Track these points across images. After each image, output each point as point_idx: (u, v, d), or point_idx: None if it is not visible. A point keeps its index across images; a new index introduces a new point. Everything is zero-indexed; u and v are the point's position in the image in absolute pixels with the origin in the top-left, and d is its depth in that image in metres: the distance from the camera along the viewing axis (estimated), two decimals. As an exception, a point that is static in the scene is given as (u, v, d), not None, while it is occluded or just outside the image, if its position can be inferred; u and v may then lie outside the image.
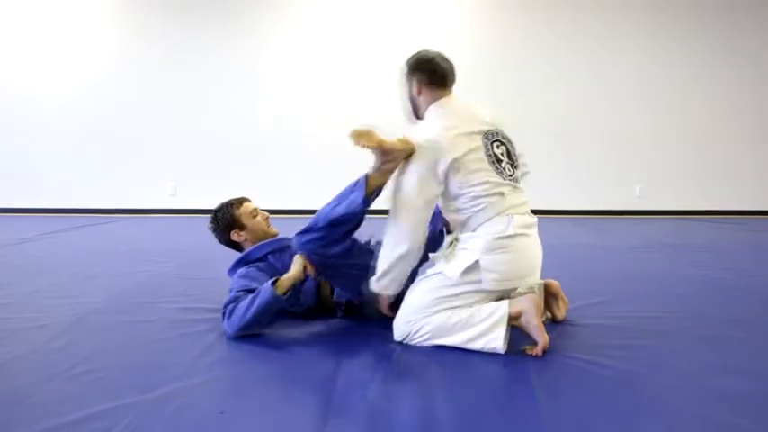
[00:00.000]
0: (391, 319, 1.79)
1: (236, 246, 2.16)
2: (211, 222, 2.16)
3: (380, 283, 1.73)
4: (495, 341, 1.62)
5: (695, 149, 5.68)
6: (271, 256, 2.05)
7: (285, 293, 1.76)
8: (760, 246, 3.84)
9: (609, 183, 5.62)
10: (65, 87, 5.43)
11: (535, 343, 1.63)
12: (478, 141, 1.72)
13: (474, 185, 1.69)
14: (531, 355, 1.62)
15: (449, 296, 1.68)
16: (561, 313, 1.94)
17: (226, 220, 2.13)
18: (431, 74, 1.82)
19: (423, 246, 1.71)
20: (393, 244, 1.68)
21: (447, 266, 1.69)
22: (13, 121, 5.47)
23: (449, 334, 1.67)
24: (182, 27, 5.38)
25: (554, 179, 5.47)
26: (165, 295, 2.32)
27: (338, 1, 5.38)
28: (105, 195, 5.54)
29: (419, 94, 1.83)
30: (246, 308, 1.74)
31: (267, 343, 1.76)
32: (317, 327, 1.94)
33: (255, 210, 2.17)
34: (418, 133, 1.72)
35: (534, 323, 1.63)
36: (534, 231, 1.79)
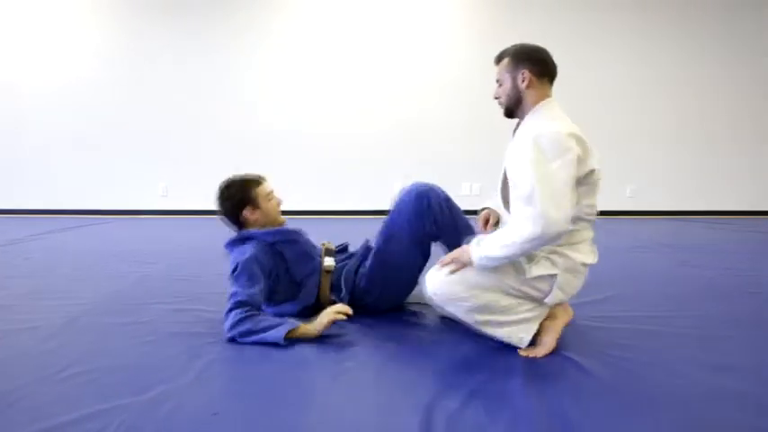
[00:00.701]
0: (385, 317, 1.79)
1: (240, 224, 2.04)
2: (223, 194, 2.02)
3: (492, 260, 1.58)
4: (526, 333, 1.66)
5: (686, 150, 5.73)
6: (281, 245, 2.00)
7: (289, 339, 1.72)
8: (753, 245, 3.88)
9: (600, 183, 5.64)
10: (56, 87, 5.39)
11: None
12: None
13: (584, 204, 1.65)
14: (526, 356, 1.63)
15: (512, 287, 1.64)
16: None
17: (241, 196, 2.00)
18: (543, 65, 1.65)
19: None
20: (531, 236, 1.50)
21: (527, 264, 1.63)
22: (3, 121, 5.42)
23: (489, 313, 1.66)
24: (174, 28, 5.36)
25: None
26: (157, 296, 2.31)
27: (331, 3, 5.38)
28: (96, 196, 5.50)
29: (528, 86, 1.64)
30: (250, 331, 1.70)
31: (261, 343, 1.76)
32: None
33: (272, 192, 2.07)
34: (552, 126, 1.55)
35: (556, 331, 1.67)
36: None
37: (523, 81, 1.64)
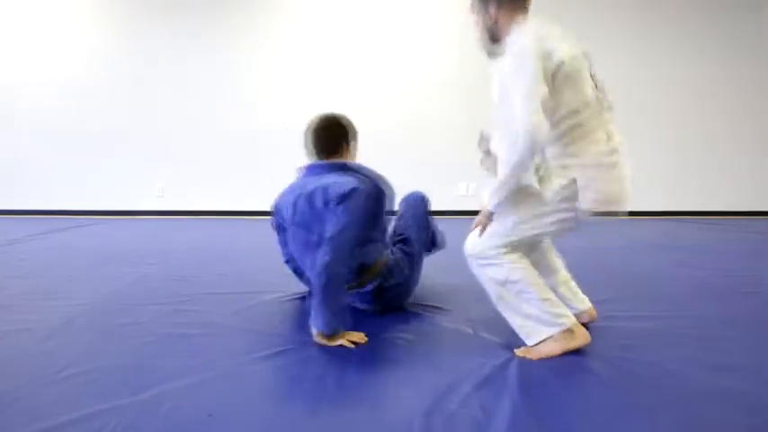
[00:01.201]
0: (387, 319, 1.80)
1: (334, 153, 1.98)
2: (336, 117, 2.01)
3: (500, 190, 1.61)
4: (536, 334, 1.64)
5: (684, 150, 5.75)
6: (382, 194, 1.95)
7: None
8: (751, 245, 3.89)
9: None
10: (53, 87, 5.38)
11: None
12: (579, 53, 1.64)
13: (575, 96, 1.59)
14: (522, 356, 1.64)
15: (541, 214, 1.62)
16: None
17: (354, 129, 2.04)
18: None
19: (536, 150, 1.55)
20: (511, 153, 1.54)
21: (542, 189, 1.61)
22: (0, 121, 5.41)
23: (531, 287, 1.64)
24: (172, 28, 5.35)
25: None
26: (154, 297, 2.31)
27: (331, 3, 5.38)
28: (93, 197, 5.49)
29: (498, 20, 1.69)
30: (327, 294, 1.69)
31: (259, 342, 1.76)
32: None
33: None
34: (513, 48, 1.58)
35: (563, 347, 1.64)
36: (625, 151, 1.74)
37: (491, 18, 1.71)
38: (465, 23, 5.97)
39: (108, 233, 4.29)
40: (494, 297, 1.72)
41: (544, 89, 1.50)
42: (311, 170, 1.99)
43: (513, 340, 1.71)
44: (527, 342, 1.68)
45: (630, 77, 5.63)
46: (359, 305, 2.12)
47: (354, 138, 2.05)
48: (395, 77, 5.39)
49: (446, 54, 5.40)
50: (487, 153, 1.80)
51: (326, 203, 1.83)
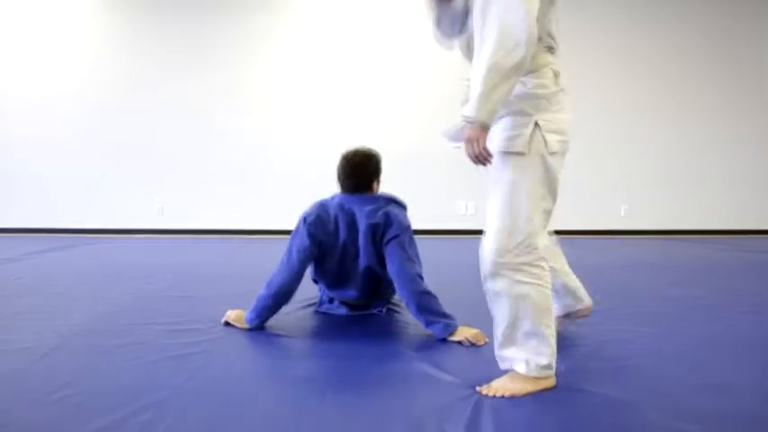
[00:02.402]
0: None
1: (370, 190, 2.22)
2: (373, 157, 2.24)
3: (485, 108, 1.37)
4: (503, 362, 1.54)
5: (681, 169, 5.79)
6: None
7: None
8: (746, 264, 3.90)
9: (594, 202, 5.69)
10: (49, 104, 5.40)
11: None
12: None
13: (550, 18, 1.50)
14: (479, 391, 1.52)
15: (538, 177, 1.47)
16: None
17: (382, 168, 2.26)
18: None
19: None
20: (501, 59, 1.33)
21: (512, 143, 1.44)
22: (-2, 140, 5.42)
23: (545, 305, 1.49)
24: (169, 44, 5.40)
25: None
26: (151, 317, 2.29)
27: (329, 18, 5.45)
28: (90, 215, 5.48)
29: None
30: (430, 310, 2.00)
31: (258, 364, 1.74)
32: (311, 353, 1.93)
33: None
34: None
35: (525, 388, 1.49)
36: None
37: None
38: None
39: (106, 252, 4.27)
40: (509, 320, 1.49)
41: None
42: (365, 200, 2.17)
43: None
44: (501, 366, 1.54)
45: (629, 98, 5.69)
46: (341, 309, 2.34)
47: (380, 173, 2.28)
48: (395, 95, 5.44)
49: (446, 71, 5.46)
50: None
51: (395, 230, 2.08)
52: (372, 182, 2.22)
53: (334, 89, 5.46)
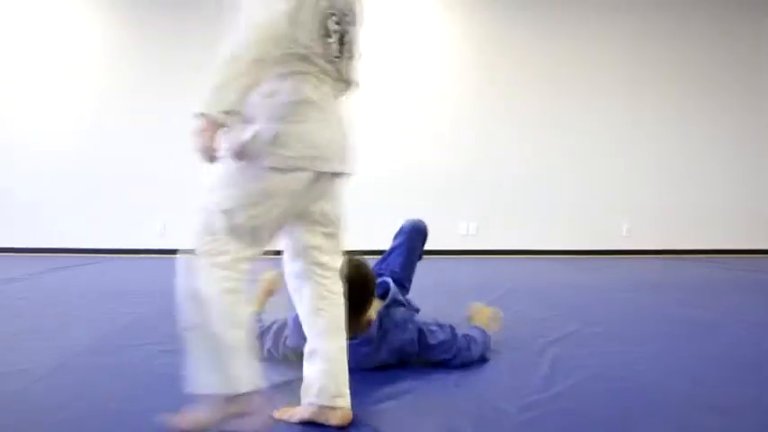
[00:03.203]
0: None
1: (365, 312, 1.85)
2: (369, 276, 1.84)
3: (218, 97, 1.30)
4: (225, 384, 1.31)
5: (682, 189, 5.79)
6: None
7: None
8: (747, 284, 3.88)
9: (597, 222, 5.69)
10: (50, 123, 5.43)
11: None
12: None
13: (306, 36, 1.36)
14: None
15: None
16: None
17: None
18: None
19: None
20: (244, 51, 1.27)
21: (232, 148, 1.37)
22: None
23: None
24: (171, 65, 5.45)
25: (541, 219, 5.54)
26: (151, 337, 2.27)
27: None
28: (92, 235, 5.48)
29: None
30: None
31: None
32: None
33: None
34: None
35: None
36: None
37: None
38: (464, 64, 6.08)
39: (108, 272, 4.27)
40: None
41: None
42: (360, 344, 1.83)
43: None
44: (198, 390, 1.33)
45: (630, 116, 5.72)
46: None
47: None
48: (396, 116, 5.47)
49: (447, 93, 5.51)
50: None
51: (416, 348, 1.93)
52: (369, 302, 1.85)
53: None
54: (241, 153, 1.36)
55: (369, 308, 1.85)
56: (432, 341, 1.91)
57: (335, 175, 1.46)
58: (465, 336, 1.96)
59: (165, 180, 5.49)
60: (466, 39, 5.57)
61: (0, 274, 3.97)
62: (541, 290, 3.51)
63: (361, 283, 1.77)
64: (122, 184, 5.48)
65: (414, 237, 2.40)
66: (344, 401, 1.44)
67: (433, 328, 1.94)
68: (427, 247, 2.49)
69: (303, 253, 1.52)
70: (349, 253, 1.69)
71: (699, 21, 5.78)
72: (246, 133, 1.35)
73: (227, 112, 1.27)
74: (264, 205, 1.37)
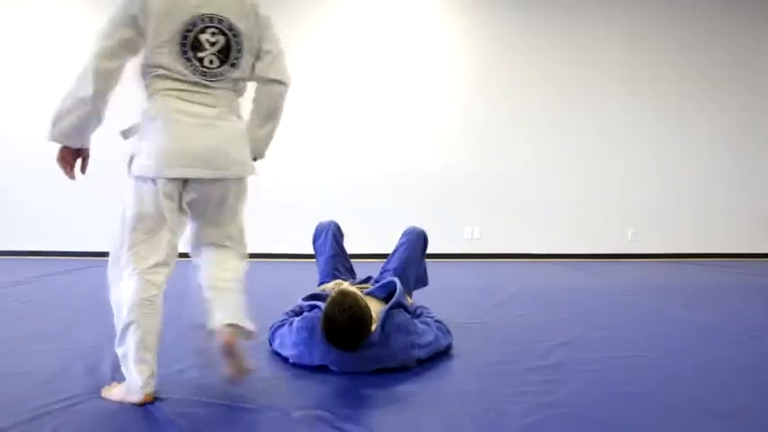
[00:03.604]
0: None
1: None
2: (364, 319, 1.80)
3: (55, 130, 1.67)
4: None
5: (688, 192, 5.77)
6: None
7: None
8: (752, 288, 3.86)
9: (602, 226, 5.66)
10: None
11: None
12: (180, 20, 1.58)
13: (150, 62, 1.68)
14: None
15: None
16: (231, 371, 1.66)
17: None
18: None
19: (106, 99, 1.69)
20: (75, 87, 1.66)
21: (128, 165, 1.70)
22: None
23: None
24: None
25: (546, 223, 5.52)
26: (154, 340, 2.27)
27: (337, 42, 5.54)
28: (96, 238, 5.46)
29: None
30: None
31: (262, 386, 1.72)
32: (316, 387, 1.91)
33: None
34: None
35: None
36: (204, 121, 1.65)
37: None
38: (467, 70, 6.07)
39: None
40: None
41: (127, 32, 1.61)
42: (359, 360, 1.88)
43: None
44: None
45: (635, 120, 5.71)
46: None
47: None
48: (399, 121, 5.48)
49: (450, 99, 5.51)
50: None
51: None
52: (365, 338, 1.83)
53: (337, 121, 5.51)
54: (126, 168, 1.68)
55: (368, 331, 1.84)
56: (421, 342, 1.98)
57: (210, 180, 1.64)
58: (439, 327, 2.10)
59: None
60: (468, 43, 5.57)
61: (4, 277, 3.98)
62: (545, 294, 3.50)
63: (355, 328, 1.76)
64: (127, 188, 5.49)
65: (414, 238, 2.51)
66: None
67: (422, 328, 2.02)
68: (432, 251, 2.52)
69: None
70: (339, 294, 1.81)
71: (699, 24, 5.77)
72: (130, 151, 1.69)
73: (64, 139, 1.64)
74: (150, 213, 1.62)
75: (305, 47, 5.47)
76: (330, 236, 2.69)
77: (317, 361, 1.90)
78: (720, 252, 5.75)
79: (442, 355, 2.07)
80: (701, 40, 5.79)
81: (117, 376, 1.82)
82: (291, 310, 2.19)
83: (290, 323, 2.05)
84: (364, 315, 1.79)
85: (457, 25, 5.59)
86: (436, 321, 2.14)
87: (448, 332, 2.15)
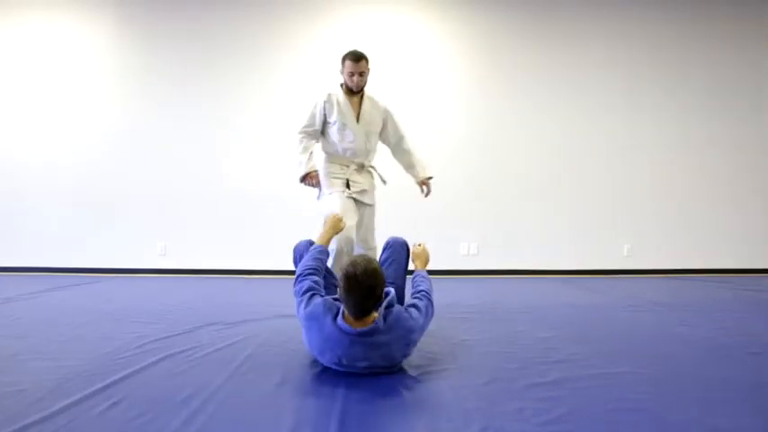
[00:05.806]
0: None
1: (372, 315, 1.95)
2: (378, 278, 1.92)
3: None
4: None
5: (683, 208, 5.80)
6: None
7: None
8: (753, 304, 3.86)
9: (598, 242, 5.69)
10: (52, 144, 5.48)
11: None
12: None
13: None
14: None
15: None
16: None
17: None
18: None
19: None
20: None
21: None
22: None
23: None
24: (171, 89, 5.52)
25: (542, 239, 5.54)
26: (151, 357, 2.26)
27: (335, 56, 5.58)
28: (94, 254, 5.48)
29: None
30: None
31: (259, 406, 1.71)
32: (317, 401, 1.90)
33: None
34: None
35: None
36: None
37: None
38: (465, 87, 6.14)
39: (108, 291, 4.26)
40: None
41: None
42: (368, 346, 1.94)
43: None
44: None
45: (631, 135, 5.76)
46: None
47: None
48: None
49: (447, 116, 5.56)
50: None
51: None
52: (380, 303, 1.96)
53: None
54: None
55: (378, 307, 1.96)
56: (414, 338, 2.08)
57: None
58: (427, 301, 2.20)
59: (166, 201, 5.51)
60: (460, 63, 5.64)
61: (0, 294, 3.96)
62: (543, 309, 3.50)
63: (374, 273, 1.92)
64: (124, 205, 5.50)
65: (398, 249, 2.60)
66: None
67: (413, 312, 2.11)
68: (429, 267, 2.51)
69: None
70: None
71: (700, 40, 5.85)
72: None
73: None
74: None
75: (305, 64, 5.52)
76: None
77: (325, 355, 2.01)
78: (717, 267, 5.78)
79: (439, 371, 2.07)
80: (702, 54, 5.87)
81: (113, 393, 1.81)
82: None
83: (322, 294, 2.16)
84: (379, 268, 1.96)
85: (450, 41, 5.66)
86: (421, 294, 2.25)
87: (430, 303, 2.23)
